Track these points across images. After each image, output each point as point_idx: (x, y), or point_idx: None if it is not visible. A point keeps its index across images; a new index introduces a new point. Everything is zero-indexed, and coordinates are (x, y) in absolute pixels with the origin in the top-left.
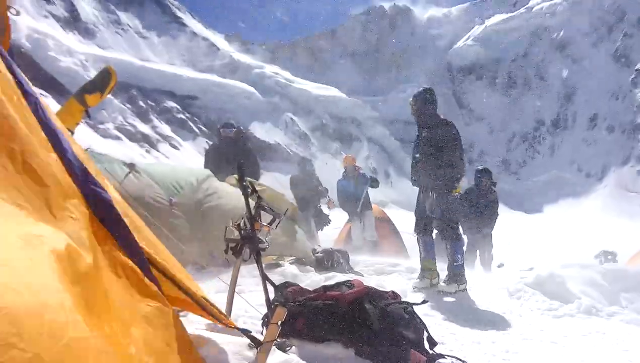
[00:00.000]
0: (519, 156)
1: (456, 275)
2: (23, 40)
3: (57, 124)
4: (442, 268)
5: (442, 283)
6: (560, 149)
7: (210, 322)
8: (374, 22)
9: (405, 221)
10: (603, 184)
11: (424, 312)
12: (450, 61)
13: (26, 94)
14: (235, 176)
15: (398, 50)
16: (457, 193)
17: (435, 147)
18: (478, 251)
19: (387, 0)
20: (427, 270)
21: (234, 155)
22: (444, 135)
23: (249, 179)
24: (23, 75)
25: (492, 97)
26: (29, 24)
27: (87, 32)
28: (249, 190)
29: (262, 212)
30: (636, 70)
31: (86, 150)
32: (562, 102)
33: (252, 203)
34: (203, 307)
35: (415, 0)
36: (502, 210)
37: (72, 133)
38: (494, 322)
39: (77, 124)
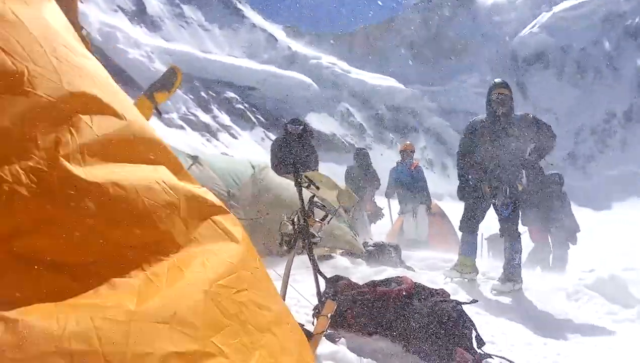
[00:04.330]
0: (587, 150)
1: (512, 274)
2: (95, 34)
3: None
4: (499, 266)
5: (497, 282)
6: (632, 143)
7: None
8: (434, 9)
9: (461, 215)
10: None
11: (475, 310)
12: (515, 50)
13: None
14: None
15: (459, 38)
16: (520, 189)
17: (521, 142)
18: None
19: None
20: (463, 266)
21: (298, 151)
22: (536, 131)
23: (305, 174)
24: None
25: (559, 88)
26: (100, 18)
27: (153, 25)
28: (305, 184)
29: (315, 208)
30: None
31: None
32: (635, 93)
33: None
34: None
35: None
36: None
37: None
38: (548, 323)
39: (148, 119)
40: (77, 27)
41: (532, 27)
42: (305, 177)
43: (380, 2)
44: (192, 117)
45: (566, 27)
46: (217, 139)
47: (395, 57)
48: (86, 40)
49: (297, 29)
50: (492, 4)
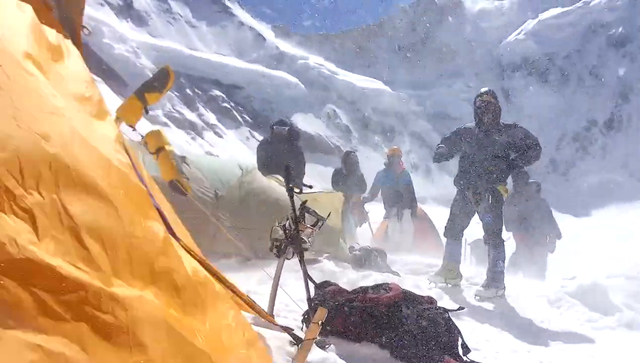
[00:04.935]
0: (568, 156)
1: (496, 280)
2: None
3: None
4: (482, 272)
5: (480, 288)
6: (612, 151)
7: (254, 316)
8: (422, 14)
9: (444, 218)
10: None
11: (460, 317)
12: (500, 56)
13: None
14: (278, 177)
15: (446, 43)
16: (505, 196)
17: (506, 150)
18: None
19: None
20: (447, 271)
21: (285, 153)
22: (522, 139)
23: (295, 182)
24: None
25: (542, 94)
26: (86, 11)
27: (139, 20)
28: (298, 191)
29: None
30: None
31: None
32: (616, 101)
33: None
34: (252, 307)
35: None
36: None
37: (134, 129)
38: (531, 330)
39: (138, 120)
40: (79, 26)
41: (518, 33)
42: (297, 184)
43: (369, 5)
44: (177, 115)
45: (551, 35)
46: (202, 138)
47: (383, 60)
48: (80, 43)
49: (286, 29)
50: (480, 10)
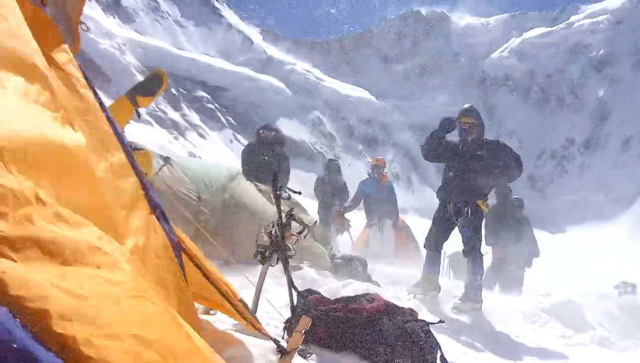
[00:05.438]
0: (546, 174)
1: (473, 294)
2: None
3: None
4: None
5: (458, 301)
6: (589, 170)
7: (236, 322)
8: (410, 26)
9: (425, 230)
10: (631, 210)
11: (439, 330)
12: (484, 71)
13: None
14: (258, 184)
15: (432, 56)
16: (485, 211)
17: (489, 166)
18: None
19: (425, 6)
20: (426, 283)
21: (270, 158)
22: (505, 156)
23: (284, 188)
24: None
25: (524, 111)
26: None
27: (127, 17)
28: (286, 196)
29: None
30: None
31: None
32: (596, 122)
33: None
34: (239, 312)
35: (454, 7)
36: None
37: (123, 130)
38: (506, 345)
39: (128, 122)
40: (77, 23)
41: (502, 50)
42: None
43: (358, 14)
44: (160, 114)
45: (534, 54)
46: (185, 138)
47: (369, 70)
48: (78, 39)
49: (274, 33)
50: (466, 25)
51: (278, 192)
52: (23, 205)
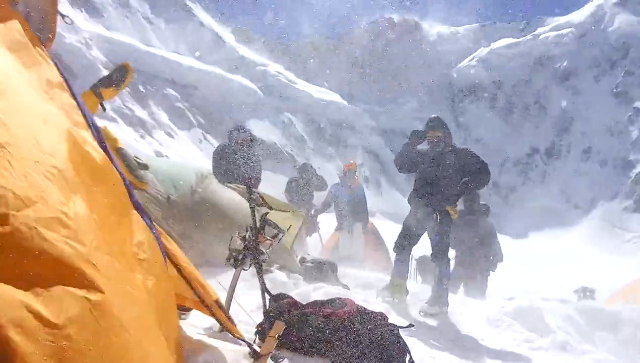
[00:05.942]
0: (510, 180)
1: (440, 297)
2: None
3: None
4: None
5: (425, 304)
6: (551, 178)
7: (209, 327)
8: (382, 32)
9: (392, 233)
10: (590, 217)
11: (408, 333)
12: (452, 80)
13: (85, 117)
14: (231, 185)
15: (402, 63)
16: (454, 217)
17: (458, 173)
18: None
19: (397, 13)
20: (395, 286)
21: (242, 160)
22: (473, 164)
23: (257, 192)
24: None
25: (489, 120)
26: None
27: (94, 11)
28: (259, 202)
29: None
30: (634, 108)
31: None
32: (558, 131)
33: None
34: (213, 313)
35: (425, 16)
36: None
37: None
38: (471, 348)
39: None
40: (54, 18)
41: (470, 60)
42: (259, 195)
43: (332, 19)
44: (127, 111)
45: (501, 64)
46: (152, 136)
47: (341, 74)
48: (53, 35)
49: (247, 33)
50: (437, 34)
51: (253, 196)
52: None
